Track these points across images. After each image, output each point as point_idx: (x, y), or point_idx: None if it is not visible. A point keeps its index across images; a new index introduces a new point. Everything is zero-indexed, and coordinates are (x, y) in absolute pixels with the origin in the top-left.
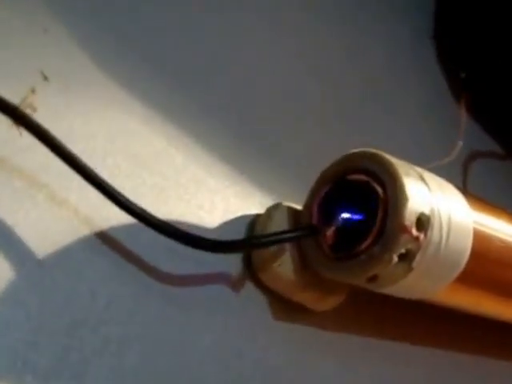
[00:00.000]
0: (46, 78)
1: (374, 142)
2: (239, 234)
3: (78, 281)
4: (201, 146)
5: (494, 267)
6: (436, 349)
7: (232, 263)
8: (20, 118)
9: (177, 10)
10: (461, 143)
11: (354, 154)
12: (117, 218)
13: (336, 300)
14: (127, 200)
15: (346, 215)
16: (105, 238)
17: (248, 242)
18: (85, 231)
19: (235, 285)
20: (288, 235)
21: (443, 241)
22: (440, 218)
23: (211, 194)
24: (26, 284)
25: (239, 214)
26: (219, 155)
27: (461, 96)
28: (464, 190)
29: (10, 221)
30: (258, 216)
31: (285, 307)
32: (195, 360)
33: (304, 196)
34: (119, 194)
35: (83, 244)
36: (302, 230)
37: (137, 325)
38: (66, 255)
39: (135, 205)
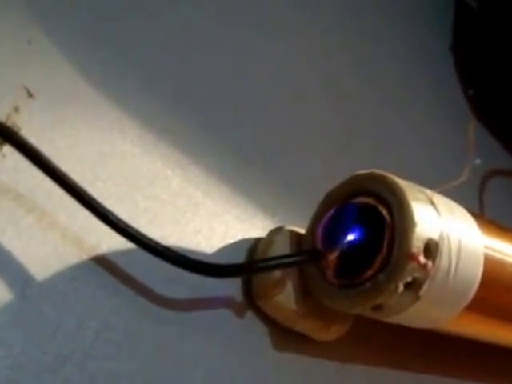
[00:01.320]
0: (30, 95)
1: (386, 159)
2: (239, 259)
3: (64, 312)
4: (199, 168)
5: (506, 294)
6: (444, 378)
7: (231, 290)
8: (5, 135)
9: (172, 21)
10: (478, 161)
11: (360, 175)
12: (108, 241)
13: (339, 330)
14: (121, 221)
15: (350, 238)
16: (95, 263)
17: (246, 266)
18: (73, 257)
19: (233, 313)
20: (289, 260)
21: (452, 268)
22: (449, 243)
23: (210, 218)
24: (8, 318)
25: (239, 238)
26: (218, 177)
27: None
28: (476, 213)
29: None
30: (259, 240)
31: (286, 336)
32: None
33: (308, 219)
34: (112, 214)
35: (71, 271)
36: (303, 254)
37: (127, 359)
38: (52, 284)
39: (129, 226)
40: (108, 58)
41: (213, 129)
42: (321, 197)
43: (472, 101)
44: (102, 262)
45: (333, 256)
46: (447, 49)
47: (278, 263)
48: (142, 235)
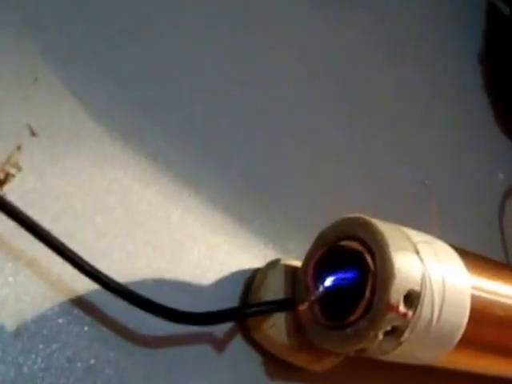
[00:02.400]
0: (33, 134)
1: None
2: (234, 293)
3: (54, 348)
4: (199, 199)
5: (494, 331)
6: None
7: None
8: None
9: (173, 56)
10: (501, 175)
11: (347, 219)
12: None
13: (332, 361)
14: (96, 270)
15: (327, 285)
16: (81, 303)
17: (220, 315)
18: (59, 298)
19: (228, 343)
20: (262, 308)
21: (435, 316)
22: (432, 291)
23: (208, 250)
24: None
25: (238, 268)
26: (218, 208)
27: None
28: (464, 250)
29: None
30: (256, 271)
31: (280, 366)
32: None
33: (307, 248)
34: (89, 265)
35: (58, 310)
36: (277, 303)
37: None
38: (41, 323)
39: (105, 276)
40: (112, 95)
41: (213, 161)
42: (320, 228)
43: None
44: (87, 303)
45: (304, 306)
46: (476, 60)
47: (252, 312)
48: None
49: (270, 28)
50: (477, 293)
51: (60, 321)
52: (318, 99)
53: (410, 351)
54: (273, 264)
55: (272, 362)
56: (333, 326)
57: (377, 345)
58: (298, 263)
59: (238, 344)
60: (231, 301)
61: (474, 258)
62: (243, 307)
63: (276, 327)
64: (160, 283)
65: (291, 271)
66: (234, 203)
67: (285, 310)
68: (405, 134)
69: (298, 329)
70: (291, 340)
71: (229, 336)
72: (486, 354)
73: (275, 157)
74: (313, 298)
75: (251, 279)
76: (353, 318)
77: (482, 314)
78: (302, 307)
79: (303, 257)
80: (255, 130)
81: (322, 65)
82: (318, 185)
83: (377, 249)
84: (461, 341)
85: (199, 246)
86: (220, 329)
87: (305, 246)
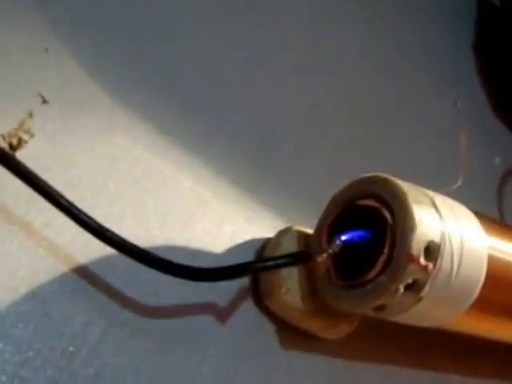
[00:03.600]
0: (45, 101)
1: (388, 164)
2: (247, 259)
3: (71, 311)
4: (209, 170)
5: (509, 294)
6: (452, 375)
7: (239, 290)
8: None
9: (183, 26)
10: (498, 160)
11: (364, 178)
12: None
13: (346, 328)
14: (107, 230)
15: (343, 239)
16: (93, 269)
17: (234, 269)
18: (72, 263)
19: (241, 312)
20: (276, 262)
21: (454, 269)
22: (451, 245)
23: (219, 219)
24: (16, 315)
25: (248, 238)
26: (228, 179)
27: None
28: (480, 213)
29: None
30: (267, 241)
31: (293, 335)
32: None
33: (317, 219)
34: (100, 225)
35: (72, 276)
36: (292, 256)
37: (132, 355)
38: (58, 286)
39: (118, 236)
40: (122, 65)
41: (223, 132)
42: (330, 197)
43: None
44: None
45: (322, 258)
46: (470, 47)
47: (268, 265)
48: (125, 241)
49: None
50: (493, 253)
51: (73, 286)
52: (320, 74)
53: (428, 309)
54: (285, 231)
55: (285, 330)
56: (349, 285)
57: (397, 300)
58: (310, 231)
59: (251, 313)
60: None
61: (489, 220)
62: (259, 261)
63: (291, 292)
64: (171, 250)
65: (304, 237)
66: (243, 174)
67: (302, 262)
68: (393, 124)
69: (312, 294)
70: (306, 305)
71: (241, 305)
72: (499, 318)
73: (285, 128)
74: (330, 250)
75: (263, 247)
76: (371, 274)
77: (498, 275)
78: (320, 259)
79: (314, 227)
80: (267, 101)
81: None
82: (329, 156)
83: (396, 202)
84: (476, 302)
85: (209, 214)
86: (232, 298)
87: (315, 217)
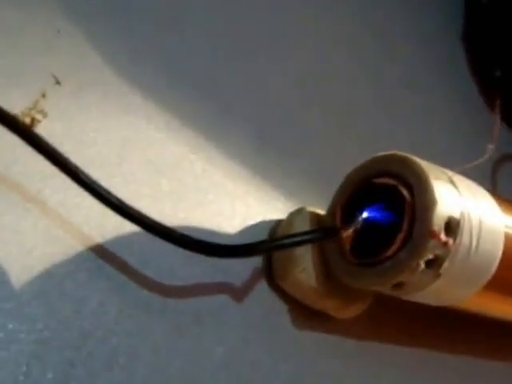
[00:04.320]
0: (57, 82)
1: (401, 144)
2: (260, 239)
3: (87, 291)
4: (221, 151)
5: None
6: (464, 356)
7: (251, 270)
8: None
9: (196, 8)
10: (492, 146)
11: (381, 156)
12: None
13: (359, 307)
14: (131, 208)
15: (365, 216)
16: (109, 246)
17: (260, 245)
18: (89, 240)
19: (254, 292)
20: (302, 238)
21: (473, 246)
22: (470, 222)
23: (231, 200)
24: (32, 294)
25: (261, 219)
26: (240, 160)
27: (494, 97)
28: (495, 193)
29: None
30: (280, 222)
31: (305, 314)
32: (209, 371)
33: (328, 201)
34: (118, 199)
35: (92, 254)
36: (318, 231)
37: (148, 335)
38: (75, 265)
39: (146, 216)
40: (135, 46)
41: (235, 114)
42: (342, 179)
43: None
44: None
45: (348, 233)
46: (458, 38)
47: (294, 241)
48: (146, 217)
49: None
50: (509, 231)
51: (89, 265)
52: (329, 52)
53: (445, 286)
54: (297, 212)
55: (298, 310)
56: (366, 263)
57: (417, 277)
58: (322, 212)
59: (264, 293)
60: None
61: (503, 200)
62: (285, 237)
63: (305, 272)
64: (186, 230)
65: (316, 218)
66: (255, 156)
67: (328, 237)
68: (390, 110)
69: (326, 273)
70: (320, 284)
71: (255, 285)
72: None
73: (297, 109)
74: (355, 226)
75: (275, 228)
76: (390, 252)
77: None
78: (346, 234)
79: (325, 208)
80: (278, 78)
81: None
82: (341, 138)
83: (415, 178)
84: (491, 281)
85: (222, 195)
86: (246, 278)
87: (327, 199)
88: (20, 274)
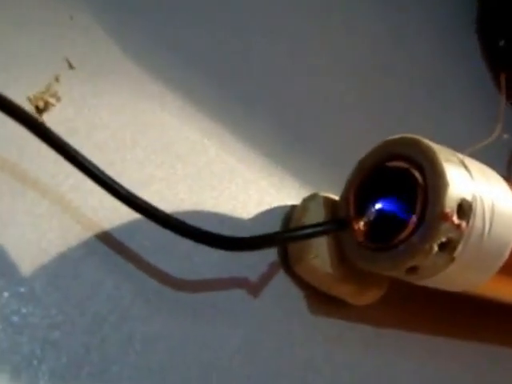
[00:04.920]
0: (71, 67)
1: (413, 129)
2: (274, 226)
3: (101, 275)
4: (235, 137)
5: None
6: (481, 342)
7: (267, 256)
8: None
9: None
10: (506, 136)
11: (392, 140)
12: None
13: (375, 293)
14: (144, 202)
15: (379, 206)
16: (120, 230)
17: (273, 237)
18: (107, 226)
19: (270, 278)
20: (316, 229)
21: (486, 229)
22: (483, 205)
23: (246, 185)
24: (46, 279)
25: (274, 205)
26: (254, 146)
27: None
28: (508, 177)
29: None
30: (294, 207)
31: (321, 300)
32: (225, 357)
33: (342, 186)
34: (129, 193)
35: (106, 239)
36: (331, 223)
37: (163, 320)
38: (88, 249)
39: (154, 207)
40: (148, 31)
41: (249, 99)
42: (355, 164)
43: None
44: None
45: (361, 224)
46: (471, 24)
47: (306, 233)
48: (155, 208)
49: None
50: None
51: (103, 249)
52: (342, 39)
53: (459, 271)
54: (312, 196)
55: (315, 297)
56: (380, 247)
57: (430, 261)
58: (335, 197)
59: (280, 279)
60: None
61: None
62: (296, 229)
63: (319, 257)
64: (199, 215)
65: (331, 202)
66: (269, 142)
67: (339, 229)
68: (401, 95)
69: (341, 259)
70: (335, 270)
71: (270, 271)
72: None
73: (310, 95)
74: (367, 218)
75: (290, 213)
76: (403, 235)
77: None
78: (357, 226)
79: (339, 194)
80: (291, 64)
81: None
82: (356, 124)
83: (427, 161)
84: (506, 265)
85: (236, 180)
86: (261, 263)
87: (340, 185)
88: (34, 259)
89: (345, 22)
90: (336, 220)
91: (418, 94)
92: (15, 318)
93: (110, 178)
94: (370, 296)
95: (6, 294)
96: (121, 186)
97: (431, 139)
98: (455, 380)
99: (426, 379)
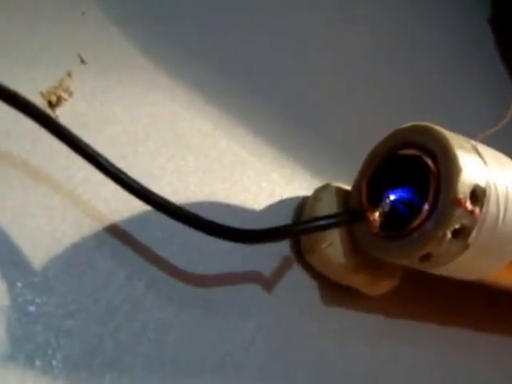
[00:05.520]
0: (83, 62)
1: (424, 116)
2: (286, 217)
3: (115, 265)
4: (247, 129)
5: None
6: (495, 333)
7: (279, 246)
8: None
9: None
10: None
11: (404, 128)
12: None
13: (389, 283)
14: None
15: (393, 197)
16: (132, 217)
17: (284, 230)
18: (119, 217)
19: (283, 269)
20: (328, 221)
21: (501, 216)
22: (497, 191)
23: (257, 177)
24: (60, 267)
25: (286, 196)
26: (265, 137)
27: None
28: None
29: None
30: (306, 198)
31: (335, 291)
32: (239, 348)
33: (354, 177)
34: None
35: (119, 230)
36: (344, 215)
37: (176, 310)
38: (102, 240)
39: (159, 196)
40: (158, 26)
41: (260, 91)
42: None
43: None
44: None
45: (376, 215)
46: (486, 20)
47: (319, 225)
48: (166, 201)
49: None
50: None
51: (116, 240)
52: (355, 30)
53: (474, 258)
54: (324, 187)
55: (327, 287)
56: (394, 236)
57: (444, 248)
58: (348, 187)
59: (293, 270)
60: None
61: None
62: (309, 221)
63: (333, 247)
64: (211, 207)
65: (343, 193)
66: (280, 133)
67: (354, 221)
68: (414, 84)
69: (354, 249)
70: (348, 260)
71: (283, 262)
72: None
73: (321, 86)
74: (382, 209)
75: (302, 204)
76: (416, 222)
77: None
78: (372, 217)
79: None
80: (302, 57)
81: None
82: (366, 115)
83: (439, 147)
84: None
85: (248, 172)
86: (274, 255)
87: (352, 177)
88: (48, 250)
89: (360, 9)
90: (350, 211)
91: (430, 82)
92: (30, 308)
93: (119, 170)
94: (384, 286)
95: (20, 284)
96: (132, 179)
97: (444, 127)
98: (470, 370)
99: (441, 370)
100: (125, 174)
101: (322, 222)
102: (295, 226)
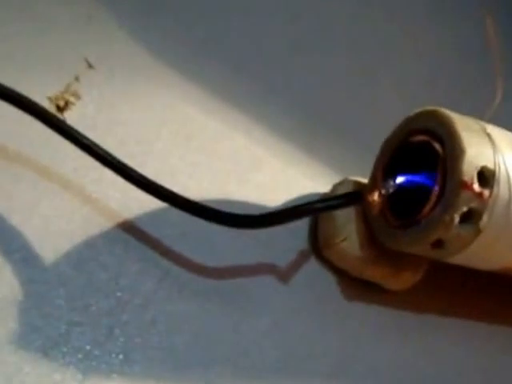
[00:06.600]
0: (90, 66)
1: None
2: None
3: (125, 260)
4: (262, 127)
5: None
6: None
7: (297, 241)
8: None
9: None
10: None
11: (413, 115)
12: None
13: (411, 277)
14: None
15: (400, 180)
16: (143, 223)
17: (276, 214)
18: (130, 214)
19: (300, 264)
20: (324, 204)
21: None
22: (507, 172)
23: (274, 175)
24: (70, 261)
25: (304, 192)
26: (281, 135)
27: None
28: None
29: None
30: (324, 194)
31: (356, 287)
32: (253, 341)
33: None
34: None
35: (129, 226)
36: (340, 197)
37: (187, 305)
38: (112, 236)
39: (178, 195)
40: (165, 29)
41: (275, 89)
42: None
43: None
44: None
45: (375, 195)
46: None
47: (314, 208)
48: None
49: None
50: None
51: (127, 237)
52: (366, 21)
53: (489, 244)
54: (341, 182)
55: (348, 282)
56: (405, 224)
57: (454, 233)
58: (365, 181)
59: (310, 264)
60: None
61: None
62: (309, 203)
63: (348, 240)
64: (226, 204)
65: (360, 186)
66: (296, 131)
67: (353, 203)
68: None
69: (371, 241)
70: (365, 252)
71: (300, 256)
72: None
73: (337, 83)
74: (382, 190)
75: None
76: (426, 209)
77: None
78: (371, 198)
79: None
80: (319, 53)
81: None
82: (385, 109)
83: (444, 130)
84: None
85: (264, 169)
86: (290, 250)
87: (370, 172)
88: (59, 247)
89: (367, 9)
90: (348, 194)
91: (445, 71)
92: (41, 302)
93: (123, 164)
94: (406, 279)
95: (32, 280)
96: (140, 174)
97: (456, 111)
98: (501, 365)
99: (466, 366)
100: (133, 170)
101: (320, 205)
102: (296, 209)
